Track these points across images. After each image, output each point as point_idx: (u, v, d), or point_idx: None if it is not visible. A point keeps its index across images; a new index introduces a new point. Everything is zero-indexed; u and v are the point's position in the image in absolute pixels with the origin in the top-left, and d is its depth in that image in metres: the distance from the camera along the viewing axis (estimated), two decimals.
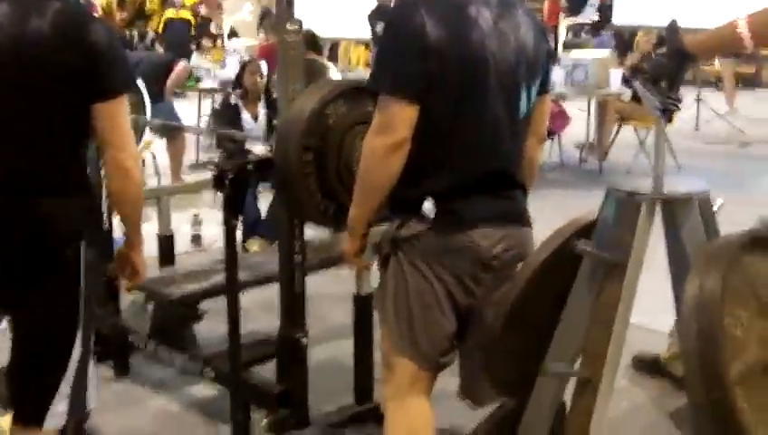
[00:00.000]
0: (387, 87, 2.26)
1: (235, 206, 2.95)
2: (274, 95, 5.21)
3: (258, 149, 5.36)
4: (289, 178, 2.86)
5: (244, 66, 5.81)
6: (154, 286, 3.50)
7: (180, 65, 7.30)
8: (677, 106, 2.20)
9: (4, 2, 2.30)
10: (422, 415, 2.42)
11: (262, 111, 5.78)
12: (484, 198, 2.34)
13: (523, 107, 2.37)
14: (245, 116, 5.74)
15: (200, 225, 5.71)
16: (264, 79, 5.83)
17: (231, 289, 3.03)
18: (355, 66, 13.06)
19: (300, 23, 3.08)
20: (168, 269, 3.90)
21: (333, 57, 12.86)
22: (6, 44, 2.27)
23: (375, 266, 2.66)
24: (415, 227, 2.34)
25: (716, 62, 11.78)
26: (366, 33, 10.65)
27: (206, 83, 8.70)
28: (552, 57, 2.51)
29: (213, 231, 5.49)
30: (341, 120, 2.88)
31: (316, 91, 2.94)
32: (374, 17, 10.07)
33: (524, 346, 2.29)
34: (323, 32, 9.80)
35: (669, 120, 2.21)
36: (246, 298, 3.36)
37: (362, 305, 3.31)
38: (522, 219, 2.43)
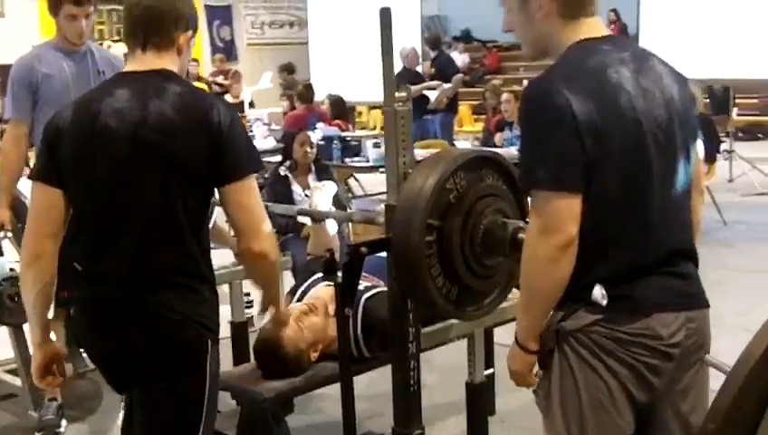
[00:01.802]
0: (545, 182, 1.97)
1: (351, 294, 2.68)
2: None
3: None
4: (411, 261, 2.62)
5: (292, 137, 5.56)
6: (241, 384, 3.15)
7: None
8: None
9: (124, 87, 2.16)
10: None
11: (312, 182, 5.52)
12: (660, 279, 2.07)
13: (681, 173, 2.10)
14: (296, 188, 5.49)
15: (251, 306, 5.41)
16: (314, 149, 5.59)
17: (346, 385, 2.73)
18: (372, 129, 12.96)
19: (409, 90, 2.85)
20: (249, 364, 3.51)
21: (352, 120, 12.75)
22: (124, 131, 2.11)
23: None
24: (583, 317, 2.06)
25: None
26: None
27: None
28: (694, 104, 2.23)
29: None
30: (463, 195, 2.66)
31: (432, 164, 2.71)
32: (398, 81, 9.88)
33: None
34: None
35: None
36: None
37: (475, 395, 3.05)
38: (700, 301, 2.16)
